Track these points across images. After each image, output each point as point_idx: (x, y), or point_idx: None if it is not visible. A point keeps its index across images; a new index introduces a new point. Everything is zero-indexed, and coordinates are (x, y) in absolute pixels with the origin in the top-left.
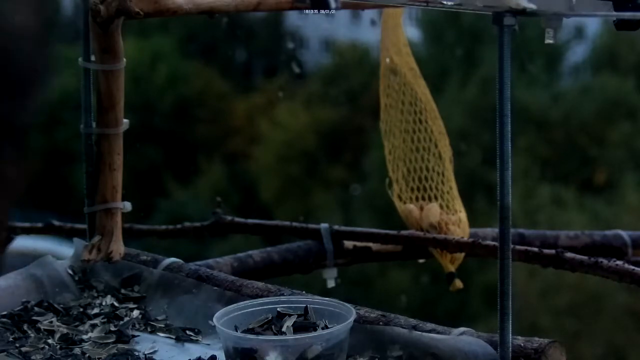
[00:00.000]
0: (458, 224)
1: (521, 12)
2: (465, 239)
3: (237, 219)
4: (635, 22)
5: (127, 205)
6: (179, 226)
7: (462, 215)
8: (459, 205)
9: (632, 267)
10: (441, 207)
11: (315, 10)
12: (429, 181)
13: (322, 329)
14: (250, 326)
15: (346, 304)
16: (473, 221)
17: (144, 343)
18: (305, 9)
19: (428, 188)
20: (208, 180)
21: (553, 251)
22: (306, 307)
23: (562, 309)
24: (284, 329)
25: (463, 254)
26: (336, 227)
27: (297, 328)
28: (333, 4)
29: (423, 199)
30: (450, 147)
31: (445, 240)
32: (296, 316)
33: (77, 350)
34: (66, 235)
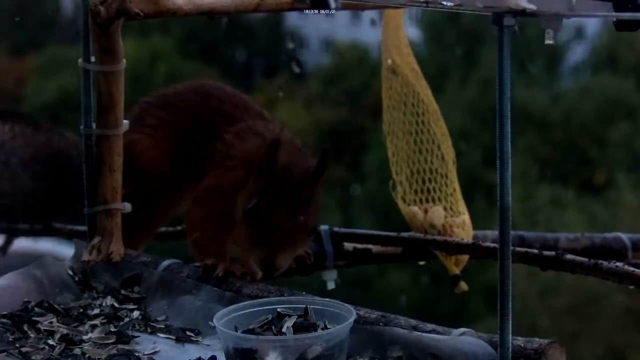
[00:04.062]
0: (462, 227)
1: (521, 13)
2: (466, 240)
3: None
4: (635, 22)
5: (127, 206)
6: (179, 228)
7: (466, 217)
8: (462, 207)
9: (632, 268)
10: (445, 209)
11: (315, 10)
12: (433, 183)
13: (322, 329)
14: (251, 326)
15: (346, 305)
16: (473, 222)
17: (144, 343)
18: (305, 9)
19: (432, 190)
20: None
21: (553, 253)
22: (306, 307)
23: (561, 309)
24: (284, 330)
25: (467, 256)
26: (336, 229)
27: (297, 328)
28: (333, 4)
29: (427, 201)
30: (452, 149)
31: (445, 242)
32: (296, 317)
33: (77, 351)
34: (66, 236)
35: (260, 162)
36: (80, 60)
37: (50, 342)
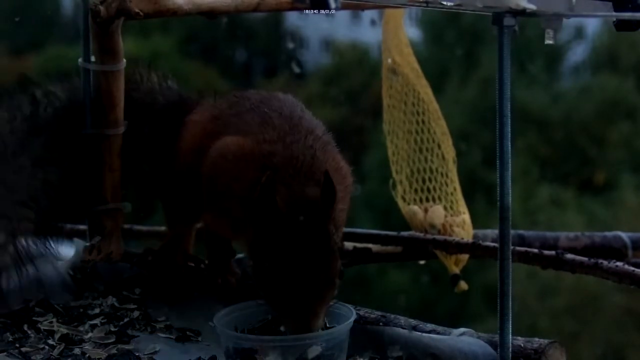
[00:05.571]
0: (462, 226)
1: (521, 13)
2: (466, 240)
3: None
4: (635, 22)
5: (127, 206)
6: None
7: (466, 217)
8: (462, 206)
9: (632, 268)
10: (445, 208)
11: (315, 10)
12: (433, 182)
13: (322, 329)
14: (251, 326)
15: (346, 305)
16: (473, 221)
17: (144, 343)
18: (305, 9)
19: (432, 189)
20: None
21: (553, 252)
22: None
23: (561, 309)
24: (283, 329)
25: (467, 256)
26: None
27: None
28: (333, 4)
29: (427, 200)
30: (453, 148)
31: (446, 242)
32: None
33: (77, 351)
34: (66, 236)
35: (256, 206)
36: (80, 60)
37: (50, 342)
